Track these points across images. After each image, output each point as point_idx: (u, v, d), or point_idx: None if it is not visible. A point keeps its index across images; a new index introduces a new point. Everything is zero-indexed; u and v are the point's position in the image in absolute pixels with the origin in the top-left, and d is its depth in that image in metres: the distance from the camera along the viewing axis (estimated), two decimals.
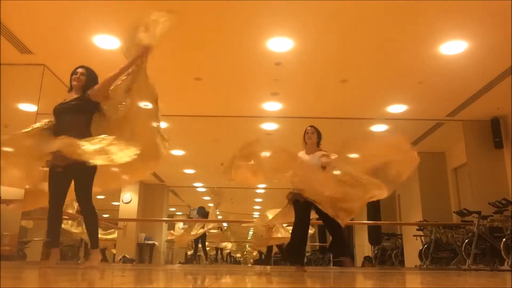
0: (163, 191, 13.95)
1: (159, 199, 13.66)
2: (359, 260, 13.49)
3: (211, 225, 10.66)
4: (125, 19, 5.06)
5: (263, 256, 11.73)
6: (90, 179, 3.52)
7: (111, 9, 4.90)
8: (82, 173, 3.45)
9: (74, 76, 3.73)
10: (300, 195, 4.39)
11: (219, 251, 15.12)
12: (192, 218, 13.48)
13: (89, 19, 5.07)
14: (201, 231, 10.06)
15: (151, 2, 4.71)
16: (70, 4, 4.74)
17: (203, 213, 10.65)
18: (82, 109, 3.62)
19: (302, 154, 4.63)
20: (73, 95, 3.70)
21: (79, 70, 3.76)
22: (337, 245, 4.62)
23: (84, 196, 3.52)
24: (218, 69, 6.28)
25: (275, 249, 11.24)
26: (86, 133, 3.50)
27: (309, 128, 4.79)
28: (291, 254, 4.59)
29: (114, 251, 10.84)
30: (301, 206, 4.46)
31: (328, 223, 4.49)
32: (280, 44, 5.50)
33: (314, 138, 4.70)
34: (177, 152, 10.62)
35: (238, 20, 5.08)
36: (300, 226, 4.53)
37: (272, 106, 7.54)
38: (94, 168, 3.47)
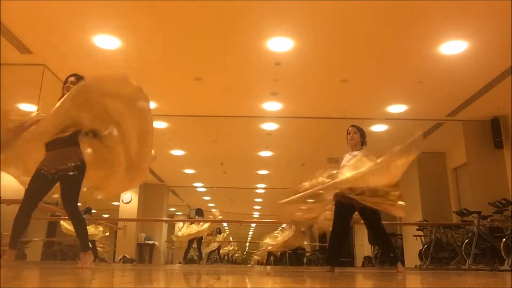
0: (163, 191, 13.96)
1: (159, 199, 13.68)
2: (359, 260, 13.50)
3: (206, 232, 10.68)
4: (125, 19, 5.08)
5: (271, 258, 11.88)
6: (78, 186, 3.56)
7: (111, 9, 4.90)
8: (71, 180, 3.48)
9: (65, 85, 3.61)
10: (344, 196, 4.24)
11: (216, 251, 15.14)
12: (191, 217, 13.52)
13: (89, 19, 5.07)
14: (195, 229, 10.05)
15: (151, 2, 4.72)
16: (70, 4, 4.74)
17: (199, 214, 10.68)
18: None
19: (346, 156, 4.50)
20: None
21: (70, 79, 3.63)
22: (389, 252, 4.51)
23: (72, 203, 3.56)
24: (218, 69, 6.29)
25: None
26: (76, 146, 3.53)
27: (350, 128, 4.56)
28: (330, 255, 4.53)
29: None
30: (343, 208, 4.33)
31: (373, 226, 4.48)
32: (280, 44, 5.50)
33: (356, 138, 4.50)
34: (177, 152, 10.63)
35: (238, 20, 5.08)
36: (338, 229, 4.41)
37: (272, 106, 7.54)
38: (82, 176, 3.53)
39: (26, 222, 3.55)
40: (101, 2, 4.74)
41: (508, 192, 7.02)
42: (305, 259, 12.90)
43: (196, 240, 10.41)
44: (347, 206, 4.29)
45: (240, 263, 20.50)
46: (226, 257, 18.10)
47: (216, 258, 15.37)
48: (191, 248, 10.78)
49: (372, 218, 4.37)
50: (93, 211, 10.46)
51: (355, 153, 4.42)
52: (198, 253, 10.86)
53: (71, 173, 3.44)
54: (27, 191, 3.46)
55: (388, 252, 4.56)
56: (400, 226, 10.23)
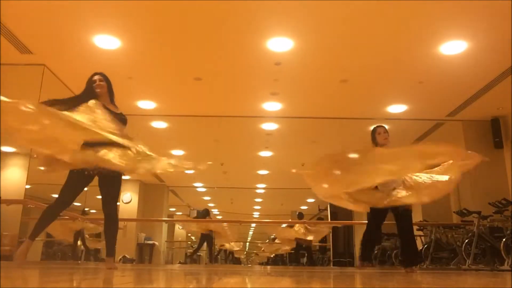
0: (163, 191, 13.97)
1: (159, 199, 13.68)
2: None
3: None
4: (125, 19, 5.08)
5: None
6: (119, 185, 3.62)
7: (111, 9, 4.90)
8: (114, 179, 3.53)
9: (94, 84, 3.63)
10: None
11: (221, 252, 15.17)
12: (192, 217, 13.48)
13: (89, 19, 5.07)
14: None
15: (150, 2, 4.72)
16: (70, 4, 4.74)
17: (203, 215, 10.64)
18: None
19: None
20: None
21: (97, 77, 3.67)
22: (410, 253, 4.57)
23: (113, 202, 3.62)
24: (218, 69, 6.28)
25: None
26: None
27: (380, 128, 4.52)
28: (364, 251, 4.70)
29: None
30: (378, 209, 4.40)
31: (400, 227, 4.56)
32: (280, 44, 5.50)
33: (389, 138, 4.48)
34: (177, 152, 10.62)
35: (238, 20, 5.08)
36: (372, 227, 4.66)
37: (272, 106, 7.54)
38: (121, 175, 3.60)
39: (53, 219, 3.56)
40: (101, 2, 4.74)
41: (508, 192, 7.02)
42: (305, 259, 12.90)
43: (207, 240, 10.30)
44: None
45: (240, 263, 20.49)
46: (230, 256, 18.01)
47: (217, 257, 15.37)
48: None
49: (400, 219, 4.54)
50: (92, 210, 10.47)
51: None
52: (209, 254, 10.67)
53: (114, 172, 3.46)
54: (66, 189, 3.45)
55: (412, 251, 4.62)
56: None
